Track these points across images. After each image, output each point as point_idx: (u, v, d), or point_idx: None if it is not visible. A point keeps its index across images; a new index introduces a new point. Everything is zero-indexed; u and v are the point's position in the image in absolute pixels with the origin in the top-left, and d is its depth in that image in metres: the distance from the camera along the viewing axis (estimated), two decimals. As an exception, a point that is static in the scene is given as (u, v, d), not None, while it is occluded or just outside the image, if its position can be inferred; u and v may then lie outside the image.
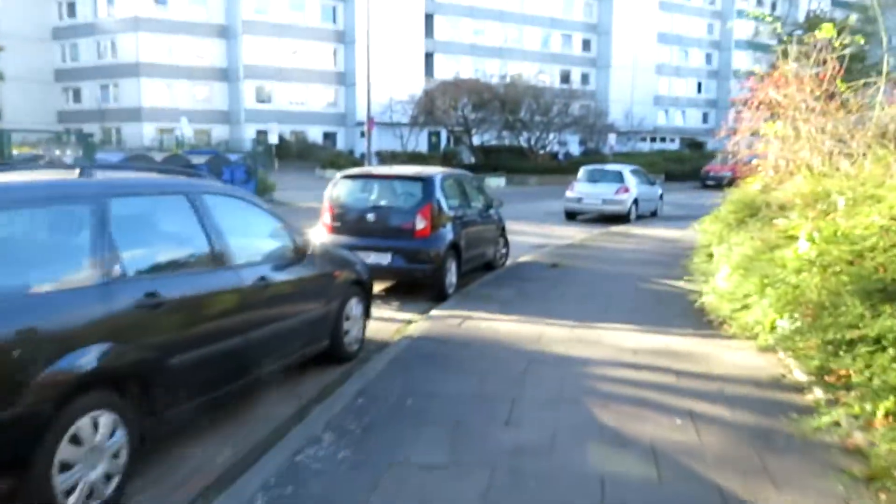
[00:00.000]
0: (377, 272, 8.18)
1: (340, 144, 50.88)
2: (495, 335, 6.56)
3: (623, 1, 59.90)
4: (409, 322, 7.38)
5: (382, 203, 8.48)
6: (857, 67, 8.98)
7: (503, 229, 10.97)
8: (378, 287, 8.93)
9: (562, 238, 15.22)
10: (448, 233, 8.42)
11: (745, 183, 11.08)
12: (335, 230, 8.37)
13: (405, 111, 45.32)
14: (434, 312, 7.55)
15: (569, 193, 19.36)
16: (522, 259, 11.60)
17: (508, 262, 11.27)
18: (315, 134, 49.77)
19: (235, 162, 19.26)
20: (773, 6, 68.15)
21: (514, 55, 55.85)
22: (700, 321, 6.81)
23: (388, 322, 7.46)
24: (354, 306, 5.95)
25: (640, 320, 7.10)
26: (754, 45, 67.46)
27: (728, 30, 66.88)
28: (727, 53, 67.51)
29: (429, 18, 52.92)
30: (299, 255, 5.12)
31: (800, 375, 4.94)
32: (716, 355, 5.79)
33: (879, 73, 8.64)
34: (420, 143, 47.11)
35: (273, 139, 42.57)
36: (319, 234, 8.51)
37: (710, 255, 7.86)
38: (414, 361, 5.71)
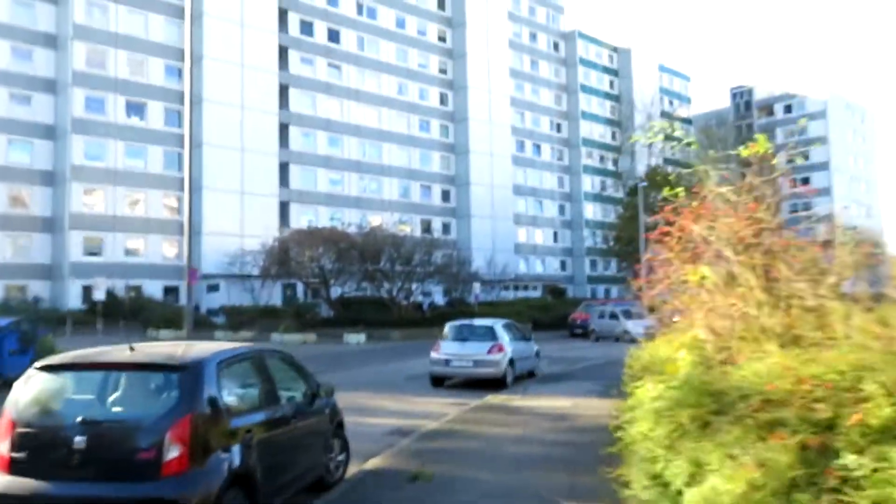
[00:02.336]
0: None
1: (184, 300, 45.76)
2: None
3: (478, 156, 61.53)
4: None
5: (108, 415, 4.91)
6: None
7: (339, 425, 7.56)
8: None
9: (428, 415, 11.96)
10: (229, 459, 4.92)
11: (664, 343, 8.60)
12: (15, 468, 4.64)
13: (257, 262, 41.73)
14: None
15: (434, 354, 16.32)
16: (371, 464, 8.14)
17: (351, 471, 7.78)
18: (154, 288, 44.56)
19: (5, 328, 14.71)
20: (615, 162, 73.17)
21: (374, 205, 54.74)
22: None
23: None
24: None
25: None
26: (602, 198, 71.30)
27: (577, 183, 70.42)
28: (578, 204, 70.54)
29: (284, 167, 51.00)
30: None
31: None
32: None
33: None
34: (274, 296, 43.24)
35: (100, 295, 37.32)
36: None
37: (658, 479, 4.91)
38: None
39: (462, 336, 16.51)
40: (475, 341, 16.16)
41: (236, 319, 35.79)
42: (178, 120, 47.42)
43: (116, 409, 4.90)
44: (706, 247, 6.91)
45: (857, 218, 69.50)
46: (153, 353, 5.38)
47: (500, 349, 15.94)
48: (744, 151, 6.38)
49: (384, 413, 12.58)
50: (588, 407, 11.90)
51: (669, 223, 6.97)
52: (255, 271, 41.76)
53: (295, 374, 6.70)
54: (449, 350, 16.12)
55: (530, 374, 17.87)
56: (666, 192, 6.64)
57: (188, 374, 4.85)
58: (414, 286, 41.15)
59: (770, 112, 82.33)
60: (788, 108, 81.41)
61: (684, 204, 7.06)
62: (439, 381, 16.30)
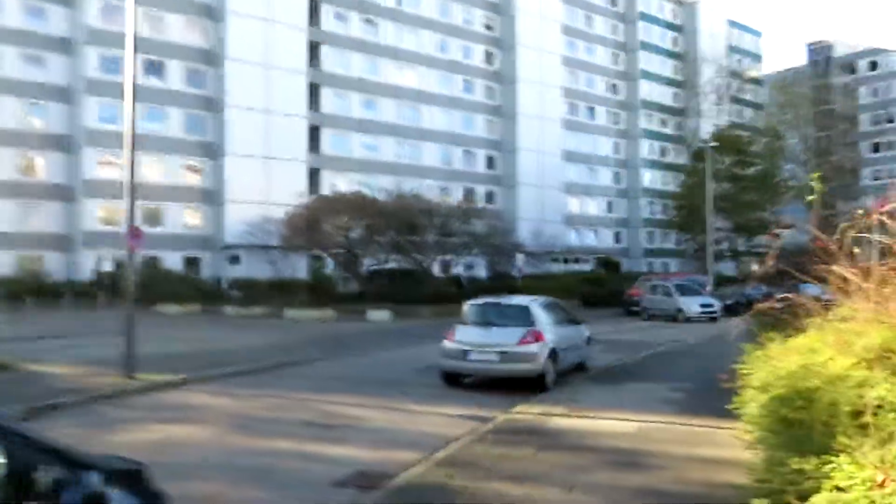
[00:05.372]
0: None
1: (206, 272, 42.70)
2: None
3: (526, 119, 56.63)
4: None
5: None
6: None
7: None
8: None
9: (419, 442, 7.82)
10: None
11: (827, 345, 4.41)
12: None
13: (280, 232, 38.14)
14: None
15: (447, 343, 12.08)
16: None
17: None
18: (174, 260, 41.36)
19: None
20: (677, 125, 67.14)
21: (412, 171, 50.34)
22: None
23: None
24: None
25: None
26: (662, 164, 65.47)
27: (634, 148, 64.79)
28: (635, 172, 64.94)
29: (314, 131, 47.20)
30: None
31: None
32: None
33: None
34: (300, 269, 39.70)
35: (107, 266, 34.45)
36: None
37: None
38: None
39: (486, 319, 12.24)
40: (503, 326, 11.88)
41: (250, 293, 32.30)
42: (200, 80, 44.04)
43: None
44: None
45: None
46: None
47: (538, 338, 11.60)
48: None
49: (358, 434, 8.49)
50: (668, 437, 7.56)
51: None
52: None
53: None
54: (467, 338, 11.85)
55: (579, 368, 13.55)
56: None
57: None
58: (450, 258, 36.92)
59: (852, 70, 74.40)
60: (873, 65, 73.35)
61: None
62: (454, 379, 12.10)
